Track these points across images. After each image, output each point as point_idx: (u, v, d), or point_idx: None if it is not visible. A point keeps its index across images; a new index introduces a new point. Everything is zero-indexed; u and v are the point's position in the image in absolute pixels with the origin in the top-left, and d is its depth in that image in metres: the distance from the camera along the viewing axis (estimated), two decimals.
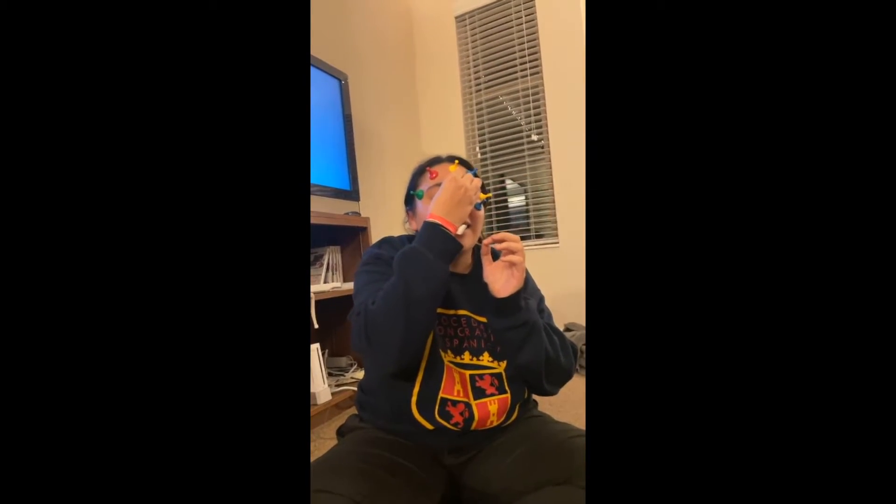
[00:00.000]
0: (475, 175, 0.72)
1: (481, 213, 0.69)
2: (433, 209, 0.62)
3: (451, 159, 0.72)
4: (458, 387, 0.66)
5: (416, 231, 0.74)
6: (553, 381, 0.68)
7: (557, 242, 2.38)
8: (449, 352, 0.67)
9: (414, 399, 0.65)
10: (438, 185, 0.68)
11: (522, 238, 2.50)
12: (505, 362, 0.68)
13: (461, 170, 0.67)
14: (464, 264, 0.73)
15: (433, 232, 0.60)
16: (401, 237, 0.76)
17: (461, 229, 0.63)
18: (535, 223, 2.54)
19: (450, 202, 0.61)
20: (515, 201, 2.63)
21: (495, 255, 0.66)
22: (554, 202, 2.41)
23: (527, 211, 2.57)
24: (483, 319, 0.69)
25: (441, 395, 0.65)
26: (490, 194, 0.71)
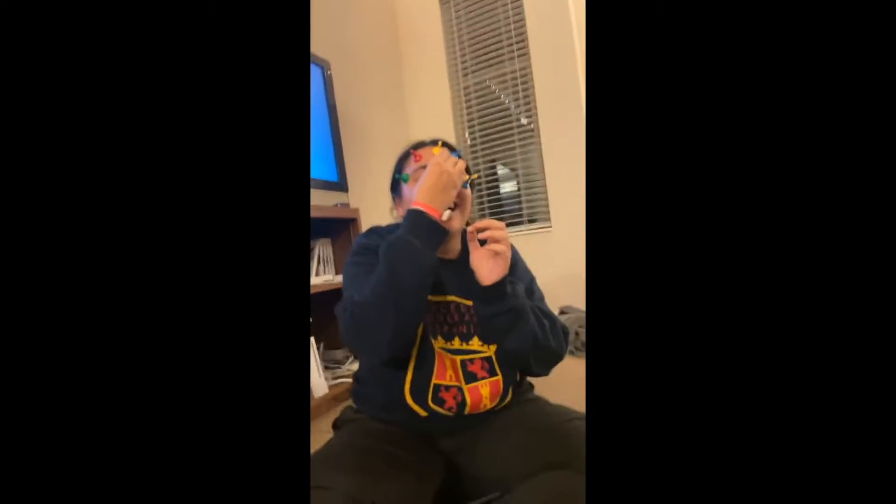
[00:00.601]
0: (459, 157, 0.71)
1: (468, 192, 0.68)
2: (417, 196, 0.61)
3: (434, 142, 0.70)
4: (450, 372, 0.66)
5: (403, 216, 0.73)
6: (543, 364, 0.68)
7: (550, 226, 2.37)
8: (439, 338, 0.67)
9: (407, 387, 0.64)
10: (424, 167, 0.67)
11: (515, 223, 2.51)
12: (495, 345, 0.68)
13: (444, 153, 0.65)
14: (452, 249, 0.72)
15: (418, 219, 0.59)
16: (389, 226, 0.74)
17: (446, 214, 0.62)
18: (528, 208, 2.53)
19: (434, 188, 0.60)
20: (507, 186, 2.62)
21: (483, 240, 0.65)
22: (545, 186, 2.40)
23: (518, 196, 2.56)
24: (471, 303, 0.68)
25: (434, 381, 0.65)
26: (476, 175, 0.70)
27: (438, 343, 0.66)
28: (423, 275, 0.58)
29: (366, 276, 0.61)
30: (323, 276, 1.64)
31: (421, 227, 0.59)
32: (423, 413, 0.64)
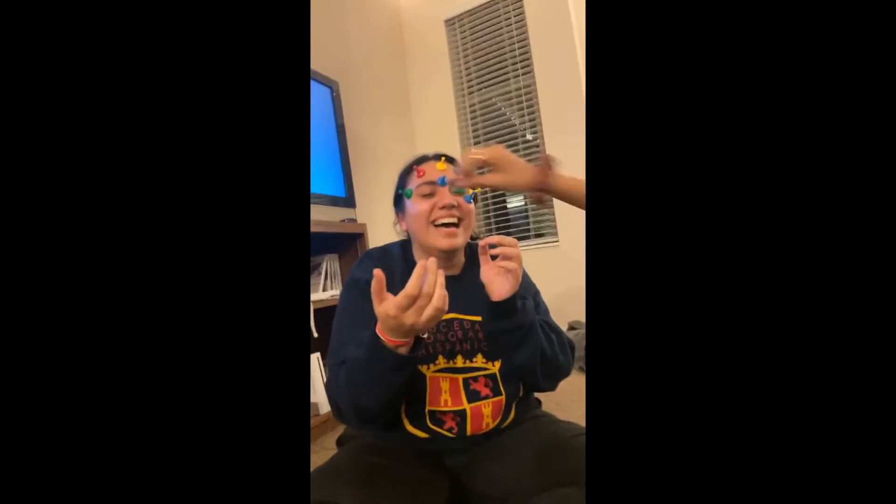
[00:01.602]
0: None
1: (471, 206, 0.68)
2: (379, 321, 0.52)
3: (437, 157, 0.71)
4: (444, 396, 0.64)
5: (406, 231, 0.73)
6: (550, 378, 0.67)
7: (557, 241, 2.37)
8: (440, 358, 0.66)
9: (404, 414, 0.64)
10: (427, 183, 0.67)
11: (522, 238, 2.50)
12: (499, 362, 0.67)
13: (403, 301, 0.48)
14: (456, 264, 0.72)
15: (376, 349, 0.53)
16: (385, 247, 0.74)
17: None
18: (535, 223, 2.53)
19: (395, 332, 0.51)
20: (514, 202, 2.62)
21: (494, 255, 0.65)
22: (552, 201, 2.40)
23: (525, 211, 2.56)
24: (474, 318, 0.68)
25: (428, 408, 0.64)
26: (479, 188, 0.68)
27: (437, 365, 0.65)
28: (384, 394, 0.55)
29: (353, 328, 0.62)
30: (330, 292, 1.65)
31: (382, 355, 0.53)
32: (423, 435, 0.64)
